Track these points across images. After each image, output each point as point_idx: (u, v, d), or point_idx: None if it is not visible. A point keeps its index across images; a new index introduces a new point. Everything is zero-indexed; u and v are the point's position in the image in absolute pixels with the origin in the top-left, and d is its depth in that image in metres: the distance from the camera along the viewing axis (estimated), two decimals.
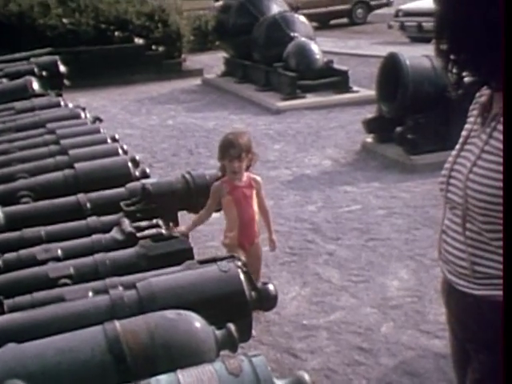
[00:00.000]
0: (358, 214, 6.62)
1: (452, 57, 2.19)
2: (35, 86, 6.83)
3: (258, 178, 4.93)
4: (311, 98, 11.31)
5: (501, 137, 2.12)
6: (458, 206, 2.24)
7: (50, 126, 5.31)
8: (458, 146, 2.34)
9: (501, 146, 2.10)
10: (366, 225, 6.32)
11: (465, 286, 2.26)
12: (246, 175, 4.82)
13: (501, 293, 2.10)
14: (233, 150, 4.66)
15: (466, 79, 2.25)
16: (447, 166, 2.35)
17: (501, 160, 2.09)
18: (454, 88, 2.22)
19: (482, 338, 2.26)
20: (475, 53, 2.13)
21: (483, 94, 2.32)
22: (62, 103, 6.33)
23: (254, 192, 4.83)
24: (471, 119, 2.35)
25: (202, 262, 3.12)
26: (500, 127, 2.14)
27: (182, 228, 4.06)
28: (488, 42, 2.07)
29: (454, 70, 2.22)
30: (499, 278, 2.12)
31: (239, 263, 3.11)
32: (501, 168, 2.09)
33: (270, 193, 7.15)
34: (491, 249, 2.16)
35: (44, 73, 7.32)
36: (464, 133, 2.35)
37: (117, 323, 2.31)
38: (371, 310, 4.79)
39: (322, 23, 23.26)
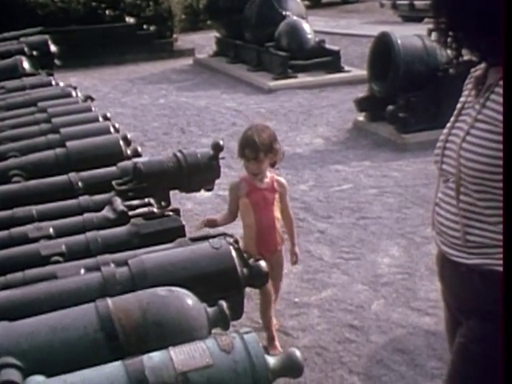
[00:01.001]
0: (349, 192, 6.64)
1: (450, 34, 2.20)
2: (26, 65, 6.80)
3: (283, 181, 4.40)
4: (303, 78, 11.29)
5: (494, 106, 2.15)
6: (451, 177, 2.27)
7: (41, 104, 5.29)
8: (452, 119, 2.36)
9: (494, 114, 2.13)
10: (357, 203, 6.34)
11: (457, 255, 2.30)
12: (269, 176, 4.28)
13: (493, 261, 2.16)
14: (248, 150, 4.11)
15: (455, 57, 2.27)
16: (442, 137, 2.38)
17: (493, 128, 2.12)
18: (453, 64, 2.27)
19: (473, 306, 2.30)
20: (473, 29, 2.15)
21: (478, 69, 2.33)
22: (53, 82, 6.30)
23: (277, 196, 4.26)
24: (466, 92, 2.37)
25: (194, 240, 3.13)
26: (493, 97, 2.16)
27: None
28: (485, 19, 2.08)
29: (453, 46, 2.23)
30: (491, 246, 2.18)
31: (231, 240, 3.12)
32: (493, 136, 2.12)
33: None
34: (484, 218, 2.20)
35: (34, 52, 7.28)
36: (458, 105, 2.37)
37: (109, 301, 2.32)
38: (362, 288, 4.82)
39: (314, 1, 23.16)
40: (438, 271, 2.48)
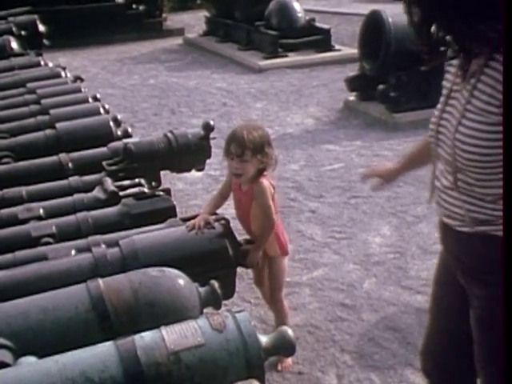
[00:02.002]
0: (340, 172, 6.63)
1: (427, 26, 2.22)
2: (14, 45, 6.76)
3: (262, 182, 3.68)
4: (293, 57, 11.24)
5: (481, 96, 2.18)
6: (448, 161, 2.33)
7: (30, 85, 5.26)
8: (440, 105, 2.38)
9: (482, 105, 2.17)
10: (348, 183, 6.34)
11: (459, 225, 2.38)
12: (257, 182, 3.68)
13: (493, 227, 2.24)
14: (234, 146, 3.59)
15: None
16: (434, 120, 2.40)
17: (484, 119, 2.16)
18: (428, 57, 2.31)
19: (475, 268, 2.39)
20: (454, 21, 2.15)
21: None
22: (42, 63, 6.27)
23: (254, 203, 3.70)
24: (449, 76, 2.39)
25: (185, 220, 3.14)
26: (480, 86, 2.19)
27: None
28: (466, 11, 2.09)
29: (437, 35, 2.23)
30: (492, 221, 2.27)
31: (223, 221, 3.13)
32: (485, 127, 2.16)
33: None
34: (483, 197, 2.27)
35: (23, 32, 7.25)
36: (444, 91, 2.39)
37: (100, 281, 2.32)
38: (354, 267, 4.83)
39: None
40: (440, 237, 2.57)
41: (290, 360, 3.82)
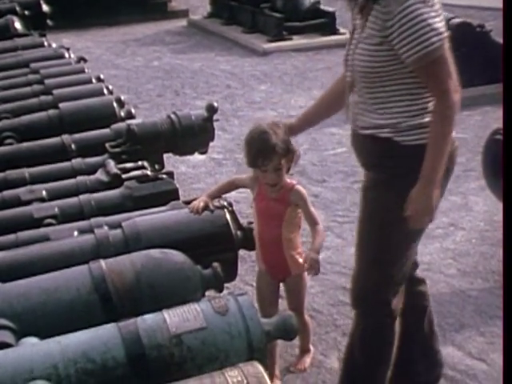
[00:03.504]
0: (343, 156, 6.61)
1: None
2: (17, 25, 6.73)
3: (301, 189, 3.46)
4: (298, 40, 11.20)
5: (370, 25, 2.83)
6: (349, 78, 3.01)
7: (33, 65, 5.25)
8: (348, 40, 3.04)
9: (371, 31, 2.83)
10: (351, 167, 6.32)
11: (358, 129, 3.05)
12: (285, 183, 3.40)
13: (378, 131, 2.93)
14: (267, 160, 3.22)
15: None
16: (345, 51, 3.05)
17: (371, 41, 2.84)
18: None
19: (368, 160, 3.07)
20: None
21: None
22: (46, 43, 6.25)
23: (290, 210, 3.40)
24: (353, 15, 3.00)
25: (188, 203, 3.13)
26: (370, 18, 2.82)
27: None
28: None
29: None
30: (378, 126, 2.92)
31: (225, 203, 3.11)
32: (372, 47, 2.84)
33: None
34: (370, 108, 2.94)
35: (26, 12, 7.21)
36: (350, 27, 3.05)
37: (102, 262, 2.32)
38: None
39: None
40: (351, 144, 3.19)
41: (308, 360, 3.72)
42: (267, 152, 3.20)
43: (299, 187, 3.43)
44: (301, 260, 3.43)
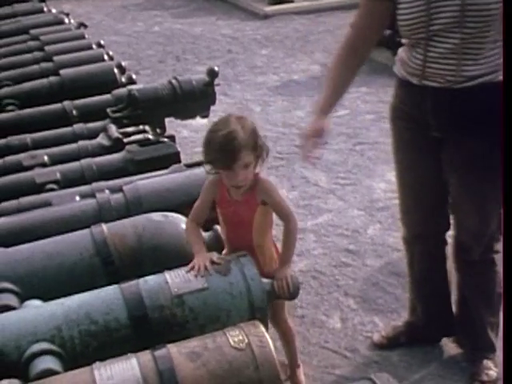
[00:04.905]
0: (346, 118, 6.60)
1: None
2: None
3: (263, 179, 2.71)
4: (299, 2, 11.11)
5: None
6: (424, 33, 2.93)
7: (33, 32, 5.23)
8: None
9: None
10: (353, 129, 6.32)
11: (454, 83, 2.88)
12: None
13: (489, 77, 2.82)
14: (233, 159, 2.52)
15: None
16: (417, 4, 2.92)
17: None
18: None
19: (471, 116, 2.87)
20: None
21: None
22: (46, 9, 6.22)
23: (258, 211, 2.69)
24: None
25: (189, 166, 3.14)
26: None
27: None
28: None
29: None
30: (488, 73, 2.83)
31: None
32: None
33: (258, 99, 7.11)
34: (480, 54, 2.82)
35: None
36: None
37: (104, 226, 2.34)
38: (358, 213, 4.84)
39: None
40: (427, 106, 2.99)
41: (302, 378, 3.15)
42: (234, 149, 2.53)
43: (262, 177, 2.72)
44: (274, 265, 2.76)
